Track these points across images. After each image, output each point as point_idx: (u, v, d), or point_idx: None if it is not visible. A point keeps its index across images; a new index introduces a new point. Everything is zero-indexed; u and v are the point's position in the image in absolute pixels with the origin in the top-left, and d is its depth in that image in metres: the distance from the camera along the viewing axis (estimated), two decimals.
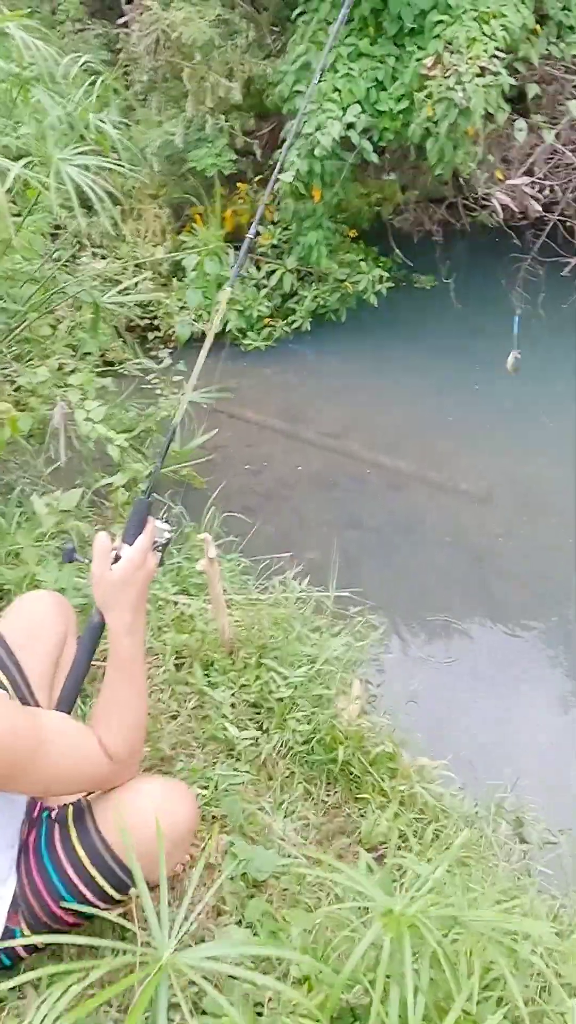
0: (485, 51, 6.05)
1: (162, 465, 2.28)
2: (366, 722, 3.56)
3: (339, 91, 6.58)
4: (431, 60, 6.28)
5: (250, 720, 3.38)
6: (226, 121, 7.56)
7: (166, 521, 2.21)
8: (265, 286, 7.76)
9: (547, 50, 7.18)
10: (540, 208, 6.82)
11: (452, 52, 6.12)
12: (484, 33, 6.21)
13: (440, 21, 6.38)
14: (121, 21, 7.58)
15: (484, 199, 6.93)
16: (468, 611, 4.92)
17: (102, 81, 4.23)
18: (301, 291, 7.81)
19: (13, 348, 4.51)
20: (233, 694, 3.44)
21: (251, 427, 6.75)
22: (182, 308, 7.46)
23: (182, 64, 7.23)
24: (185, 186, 8.04)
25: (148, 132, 7.43)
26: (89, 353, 5.89)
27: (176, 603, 4.02)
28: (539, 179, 6.86)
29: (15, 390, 4.14)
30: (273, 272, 7.75)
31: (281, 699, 3.40)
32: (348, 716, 3.55)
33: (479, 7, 6.34)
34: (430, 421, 6.89)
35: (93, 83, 4.24)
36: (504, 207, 6.81)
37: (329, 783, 3.29)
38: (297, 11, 7.03)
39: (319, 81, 6.52)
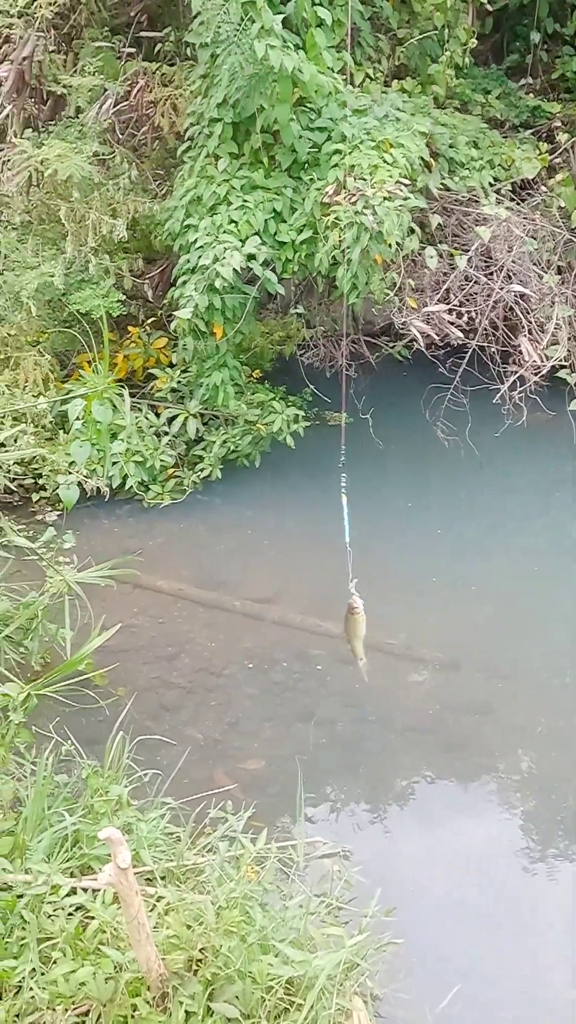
0: (390, 176, 5.66)
1: None
2: None
3: (235, 223, 6.02)
4: (332, 188, 5.84)
5: None
6: (112, 262, 6.88)
7: None
8: (166, 433, 6.85)
9: (442, 184, 7.00)
10: (462, 335, 6.32)
11: (356, 178, 5.69)
12: (385, 161, 5.86)
13: (337, 151, 6.01)
14: None
15: (401, 328, 6.39)
16: (461, 842, 3.72)
17: None
18: (207, 436, 6.93)
19: None
20: None
21: (163, 599, 5.57)
22: (71, 464, 6.38)
23: (59, 203, 6.56)
24: (69, 333, 7.21)
25: (23, 274, 6.62)
26: None
27: (73, 895, 2.68)
28: (456, 306, 6.42)
29: None
30: (175, 418, 6.86)
31: None
32: None
33: (375, 137, 6.03)
34: (368, 574, 5.88)
35: None
36: (423, 335, 6.27)
37: None
38: (183, 147, 6.58)
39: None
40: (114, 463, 6.42)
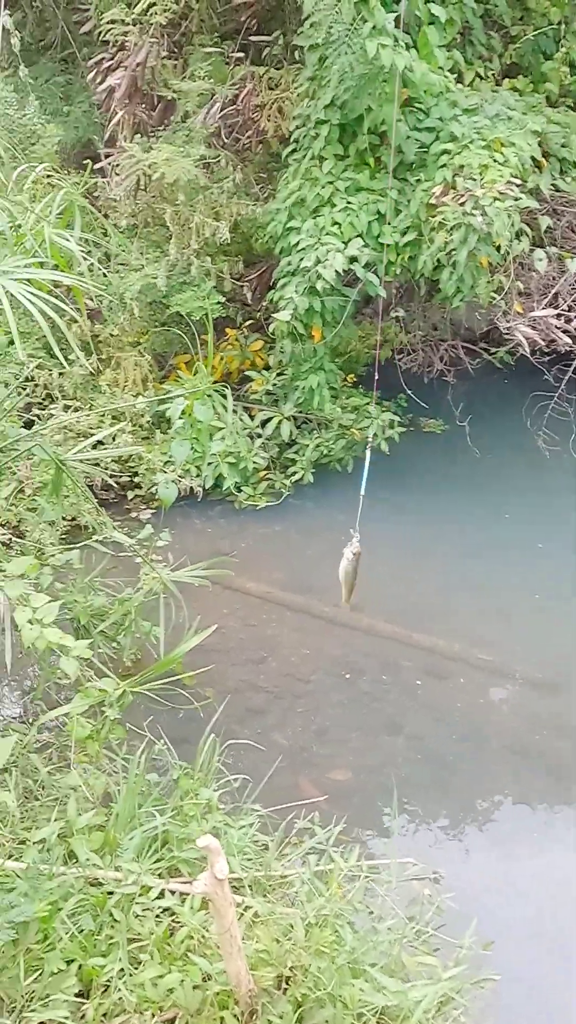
0: (500, 176, 5.47)
1: None
2: None
3: (339, 225, 5.96)
4: (439, 189, 5.69)
5: None
6: (213, 264, 6.93)
7: None
8: (259, 435, 6.85)
9: (553, 184, 6.74)
10: (570, 341, 6.06)
11: (465, 178, 5.54)
12: (496, 160, 5.67)
13: (446, 151, 5.86)
14: (98, 167, 7.11)
15: (506, 334, 6.17)
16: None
17: (64, 193, 3.37)
18: (301, 440, 6.89)
19: None
20: None
21: (252, 601, 5.55)
22: (167, 463, 6.46)
23: (164, 206, 6.66)
24: (169, 334, 7.32)
25: (128, 276, 6.75)
26: (52, 522, 4.80)
27: (162, 897, 2.65)
28: (564, 311, 6.15)
29: None
30: (268, 420, 6.86)
31: None
32: None
33: (486, 136, 5.85)
34: (463, 586, 5.75)
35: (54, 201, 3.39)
36: (529, 341, 6.04)
37: None
38: (289, 149, 6.57)
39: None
40: (209, 463, 6.47)
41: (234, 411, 6.98)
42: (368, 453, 4.21)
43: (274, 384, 6.97)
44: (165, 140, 6.74)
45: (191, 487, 6.37)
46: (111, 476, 6.13)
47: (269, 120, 7.16)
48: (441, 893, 3.11)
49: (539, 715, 4.48)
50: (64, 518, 5.32)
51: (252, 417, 6.99)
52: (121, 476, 6.52)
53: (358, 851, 2.97)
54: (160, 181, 6.45)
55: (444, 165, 5.82)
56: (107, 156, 7.39)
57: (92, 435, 6.09)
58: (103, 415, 6.53)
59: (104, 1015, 2.27)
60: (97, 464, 5.51)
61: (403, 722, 4.48)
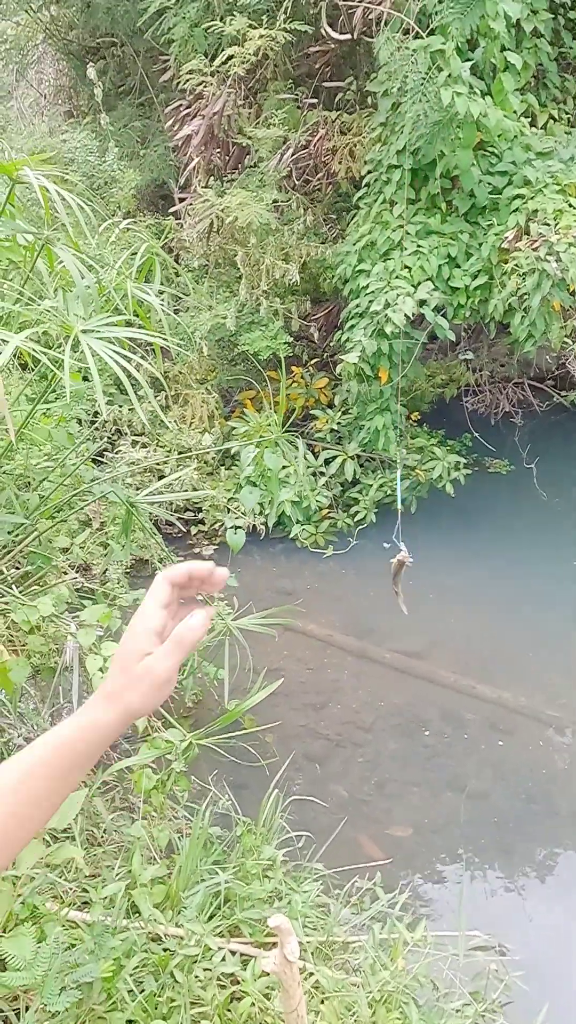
0: (575, 221, 5.40)
1: None
2: None
3: (409, 268, 5.96)
4: (512, 233, 5.65)
5: None
6: (282, 304, 7.02)
7: None
8: (323, 474, 6.86)
9: None
10: None
11: (539, 223, 5.49)
12: (571, 205, 5.61)
13: (519, 195, 5.83)
14: (172, 211, 7.31)
15: None
16: None
17: (146, 248, 3.46)
18: (364, 479, 6.87)
19: (17, 565, 3.45)
20: None
21: (312, 643, 5.51)
22: (231, 499, 6.53)
23: (235, 249, 6.79)
24: (235, 371, 7.43)
25: (198, 316, 6.89)
26: (119, 561, 4.87)
27: (224, 961, 2.61)
28: None
29: (7, 627, 3.03)
30: (332, 459, 6.86)
31: None
32: None
33: (561, 181, 5.80)
34: (530, 635, 5.60)
35: (134, 253, 3.49)
36: None
37: None
38: (360, 193, 6.63)
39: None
40: (272, 501, 6.51)
41: (297, 447, 7.02)
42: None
43: (339, 423, 6.99)
44: (239, 184, 6.88)
45: (254, 524, 6.42)
46: (175, 511, 6.23)
47: (340, 163, 7.26)
48: (508, 967, 2.99)
49: None
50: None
51: (316, 455, 7.01)
52: (185, 512, 6.61)
53: (422, 920, 2.88)
54: (232, 224, 6.59)
55: (517, 210, 5.78)
56: (181, 199, 7.61)
57: (159, 471, 6.21)
58: (170, 452, 6.65)
59: None
60: (164, 505, 5.61)
61: (466, 778, 4.36)
